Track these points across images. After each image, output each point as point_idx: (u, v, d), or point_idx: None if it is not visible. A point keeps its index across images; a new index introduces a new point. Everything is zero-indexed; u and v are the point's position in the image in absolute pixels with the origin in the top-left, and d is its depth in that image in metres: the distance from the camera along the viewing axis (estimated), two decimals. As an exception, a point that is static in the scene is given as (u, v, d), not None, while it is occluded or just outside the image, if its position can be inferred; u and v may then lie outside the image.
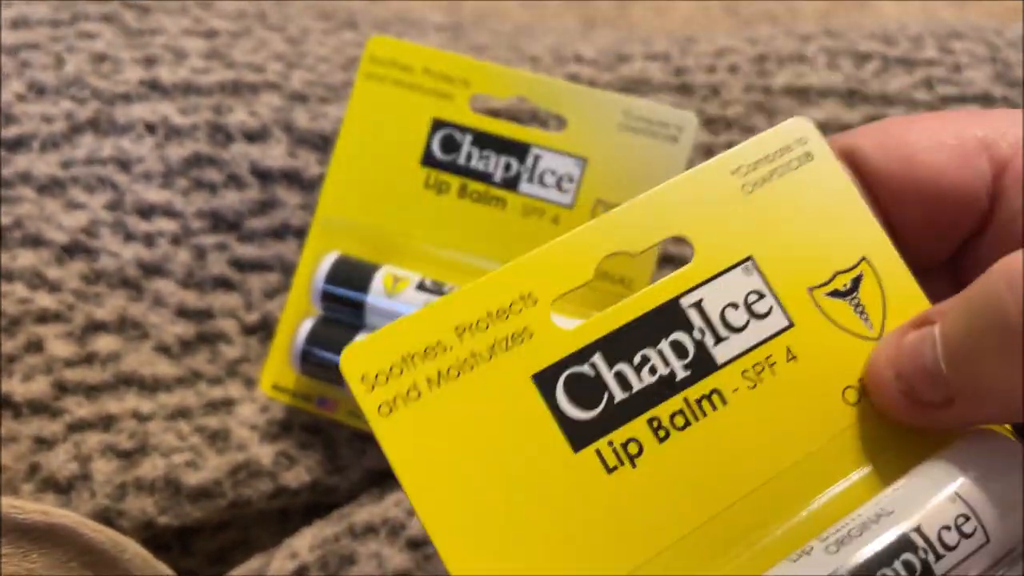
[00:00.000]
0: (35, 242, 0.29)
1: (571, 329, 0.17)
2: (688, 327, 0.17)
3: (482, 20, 0.38)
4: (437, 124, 0.28)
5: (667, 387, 0.17)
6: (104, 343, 0.28)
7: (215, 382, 0.29)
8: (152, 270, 0.29)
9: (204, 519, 0.27)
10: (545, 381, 0.17)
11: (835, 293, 0.19)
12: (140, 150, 0.30)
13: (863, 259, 0.19)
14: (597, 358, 0.17)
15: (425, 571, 0.26)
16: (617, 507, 0.16)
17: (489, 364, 0.17)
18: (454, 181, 0.28)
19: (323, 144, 0.30)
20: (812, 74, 0.32)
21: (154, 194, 0.30)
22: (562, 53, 0.33)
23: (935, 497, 0.16)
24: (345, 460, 0.28)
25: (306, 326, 0.27)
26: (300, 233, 0.30)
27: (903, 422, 0.17)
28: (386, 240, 0.28)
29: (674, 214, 0.18)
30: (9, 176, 0.29)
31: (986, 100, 0.31)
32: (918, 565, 0.15)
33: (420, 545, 0.26)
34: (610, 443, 0.17)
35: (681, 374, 0.17)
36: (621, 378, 0.17)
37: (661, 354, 0.17)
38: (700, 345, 0.17)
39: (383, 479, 0.28)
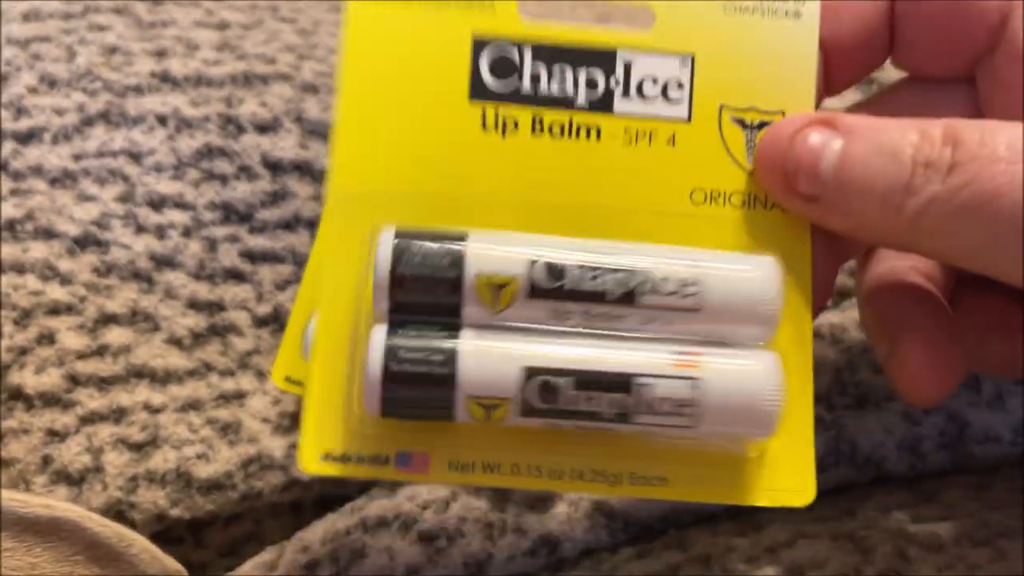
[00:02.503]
0: (47, 234, 0.29)
1: (526, 22, 0.21)
2: (610, 72, 0.21)
3: None
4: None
5: (564, 103, 0.21)
6: (116, 335, 0.28)
7: (227, 374, 0.29)
8: (163, 262, 0.29)
9: (216, 511, 0.27)
10: (480, 44, 0.21)
11: (740, 121, 0.21)
12: (151, 142, 0.30)
13: (781, 112, 0.21)
14: (528, 50, 0.21)
15: (436, 565, 0.26)
16: (482, 155, 0.21)
17: (454, 6, 0.21)
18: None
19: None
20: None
21: (165, 186, 0.30)
22: None
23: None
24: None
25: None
26: (311, 224, 0.30)
27: (772, 197, 0.21)
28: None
29: None
30: (21, 168, 0.29)
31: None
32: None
33: (432, 539, 0.26)
34: (496, 111, 0.21)
35: (581, 100, 0.21)
36: (535, 77, 0.21)
37: (575, 78, 0.21)
38: (609, 91, 0.21)
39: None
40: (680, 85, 0.21)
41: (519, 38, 0.21)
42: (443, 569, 0.25)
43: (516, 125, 0.21)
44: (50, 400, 0.27)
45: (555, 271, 0.19)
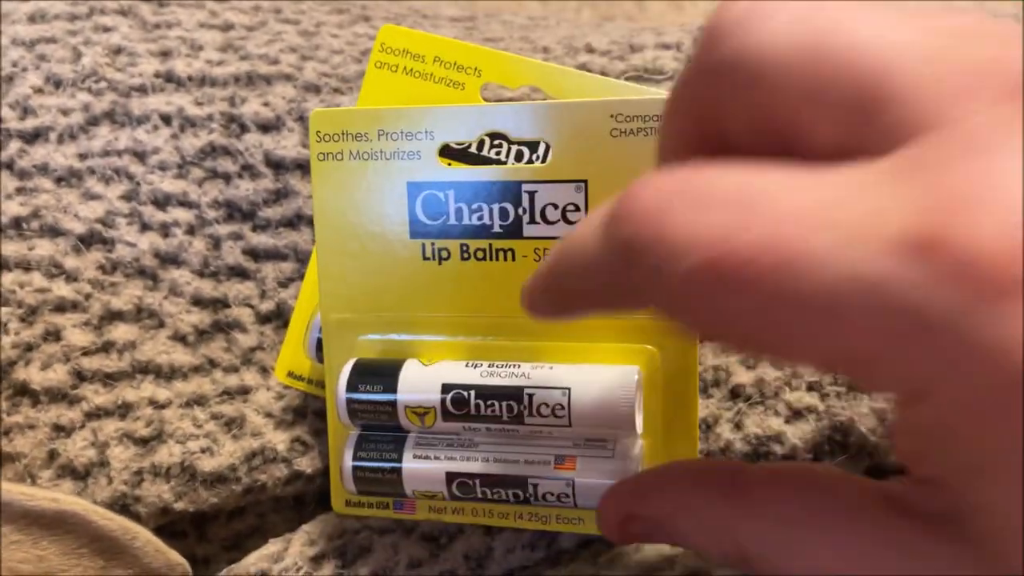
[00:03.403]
0: (53, 232, 0.29)
1: (446, 168, 0.25)
2: (517, 203, 0.25)
3: (496, 14, 0.39)
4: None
5: (483, 232, 0.25)
6: (121, 332, 0.28)
7: (230, 370, 0.29)
8: (168, 259, 0.29)
9: (220, 505, 0.28)
10: (414, 188, 0.25)
11: None
12: (156, 141, 0.30)
13: None
14: (451, 191, 0.25)
15: (438, 560, 0.26)
16: (422, 281, 0.25)
17: (388, 162, 0.25)
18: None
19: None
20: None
21: (169, 184, 0.30)
22: (573, 44, 0.33)
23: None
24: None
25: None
26: (313, 222, 0.30)
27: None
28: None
29: (555, 126, 0.24)
30: (27, 167, 0.30)
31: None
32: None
33: (435, 538, 0.26)
34: (432, 243, 0.25)
35: (496, 228, 0.25)
36: (459, 211, 0.25)
37: (491, 211, 0.25)
38: (518, 219, 0.25)
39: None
40: (577, 207, 0.25)
41: (442, 181, 0.25)
42: (444, 564, 0.25)
43: (448, 254, 0.25)
44: (56, 396, 0.28)
45: (458, 402, 0.24)
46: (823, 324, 0.14)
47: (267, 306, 0.29)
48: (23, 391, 0.27)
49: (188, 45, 0.32)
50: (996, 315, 0.13)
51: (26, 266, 0.28)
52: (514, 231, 0.25)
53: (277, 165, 0.30)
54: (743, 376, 0.26)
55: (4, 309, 0.28)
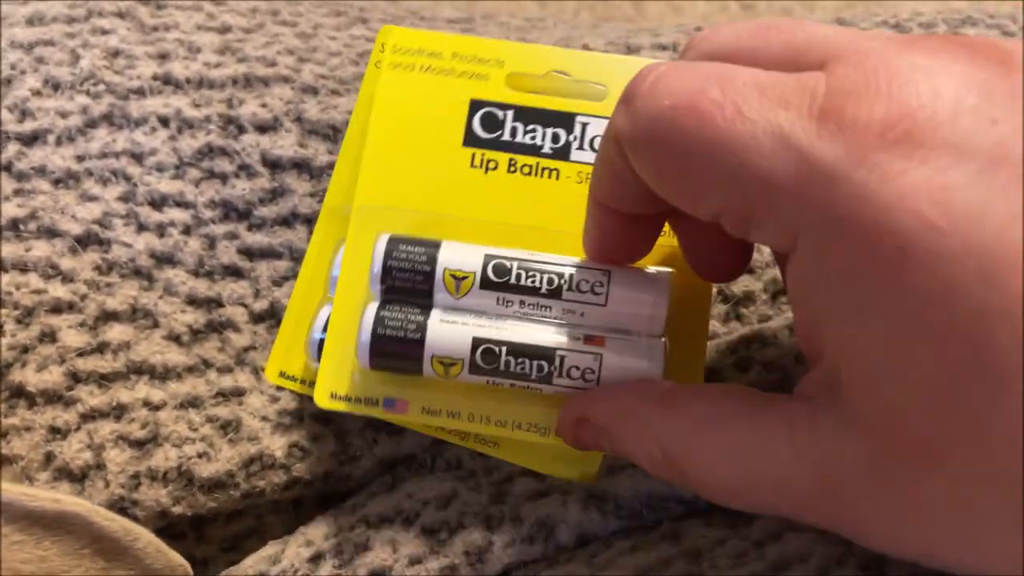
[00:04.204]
0: (49, 233, 0.29)
1: (510, 91, 0.27)
2: (570, 130, 0.27)
3: (493, 15, 0.39)
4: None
5: (533, 150, 0.27)
6: (116, 332, 0.28)
7: (224, 371, 0.29)
8: (163, 259, 0.29)
9: (218, 509, 0.27)
10: (475, 105, 0.28)
11: None
12: (153, 142, 0.30)
13: None
14: (510, 112, 0.27)
15: (438, 555, 0.26)
16: (463, 185, 0.27)
17: (456, 77, 0.28)
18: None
19: (333, 134, 0.31)
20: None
21: (166, 185, 0.30)
22: (571, 45, 0.33)
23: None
24: (357, 450, 0.28)
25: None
26: (309, 220, 0.30)
27: None
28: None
29: (614, 73, 0.27)
30: (25, 169, 0.30)
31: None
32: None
33: (434, 532, 0.26)
34: (482, 155, 0.27)
35: (546, 148, 0.27)
36: (513, 131, 0.27)
37: (544, 133, 0.27)
38: (568, 144, 0.27)
39: (394, 468, 0.28)
40: None
41: (505, 102, 0.28)
42: (444, 558, 0.25)
43: (496, 165, 0.27)
44: (52, 397, 0.27)
45: (500, 270, 0.25)
46: (736, 168, 0.18)
47: (260, 305, 0.29)
48: (19, 393, 0.27)
49: (186, 47, 0.32)
50: (865, 170, 0.16)
51: (23, 267, 0.28)
52: (563, 154, 0.27)
53: (274, 164, 0.30)
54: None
55: (1, 311, 0.28)
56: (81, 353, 0.28)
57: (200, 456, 0.27)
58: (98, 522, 0.25)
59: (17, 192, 0.30)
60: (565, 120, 0.27)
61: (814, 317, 0.18)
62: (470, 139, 0.27)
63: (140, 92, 0.31)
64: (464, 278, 0.25)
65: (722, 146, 0.18)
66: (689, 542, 0.24)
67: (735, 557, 0.23)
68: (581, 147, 0.27)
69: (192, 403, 0.28)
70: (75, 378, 0.28)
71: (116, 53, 0.32)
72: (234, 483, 0.27)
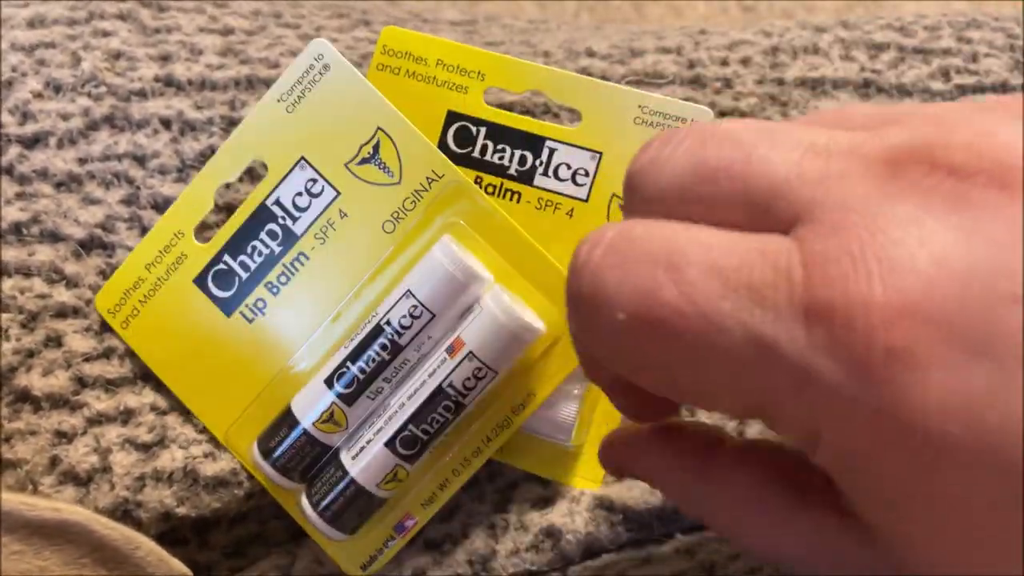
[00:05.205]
0: (53, 237, 0.29)
1: (205, 244, 0.27)
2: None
3: (496, 17, 0.38)
4: (452, 116, 0.28)
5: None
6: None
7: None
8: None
9: (222, 510, 0.27)
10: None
11: (362, 160, 0.27)
12: (155, 145, 0.30)
13: (379, 129, 0.27)
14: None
15: (441, 566, 0.26)
16: (257, 342, 0.27)
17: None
18: (468, 174, 0.27)
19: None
20: (826, 65, 0.32)
21: (169, 188, 0.30)
22: (574, 48, 0.33)
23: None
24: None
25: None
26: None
27: None
28: None
29: (253, 144, 0.27)
30: (27, 172, 0.30)
31: (1004, 89, 0.31)
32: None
33: (438, 545, 0.26)
34: (246, 305, 0.27)
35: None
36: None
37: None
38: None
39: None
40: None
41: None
42: (448, 568, 0.25)
43: None
44: (57, 402, 0.27)
45: (349, 383, 0.26)
46: (726, 378, 0.16)
47: None
48: (24, 397, 0.27)
49: (188, 49, 0.32)
50: (876, 391, 0.15)
51: (26, 272, 0.28)
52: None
53: None
54: None
55: (5, 315, 0.28)
56: (87, 358, 0.28)
57: (206, 456, 0.27)
58: (98, 531, 0.25)
59: (19, 195, 0.29)
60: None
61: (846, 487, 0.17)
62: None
63: (142, 94, 0.31)
64: (332, 414, 0.26)
65: (702, 362, 0.16)
66: (703, 555, 0.24)
67: (749, 573, 0.23)
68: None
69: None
70: (81, 383, 0.28)
71: (117, 55, 0.32)
72: (238, 481, 0.27)
